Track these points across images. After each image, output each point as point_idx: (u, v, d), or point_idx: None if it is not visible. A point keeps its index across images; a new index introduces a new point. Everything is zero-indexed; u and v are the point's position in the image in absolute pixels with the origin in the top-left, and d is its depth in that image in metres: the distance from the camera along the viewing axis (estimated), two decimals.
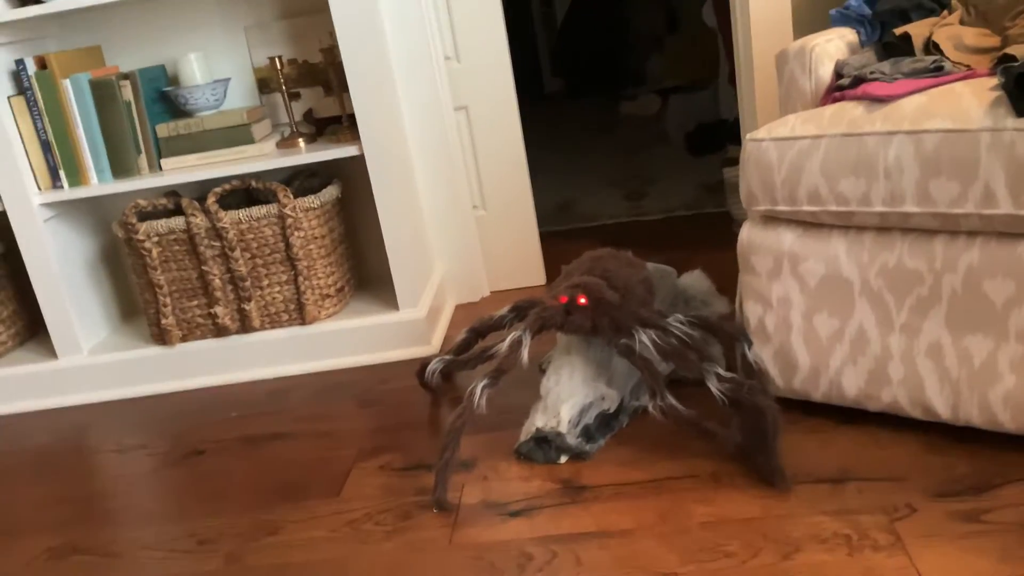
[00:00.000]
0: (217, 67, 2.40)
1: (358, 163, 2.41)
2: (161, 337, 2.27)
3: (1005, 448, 1.42)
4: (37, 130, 2.20)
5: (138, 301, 2.60)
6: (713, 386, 1.49)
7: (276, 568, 1.45)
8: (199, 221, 2.16)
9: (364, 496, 1.62)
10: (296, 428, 1.94)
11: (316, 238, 2.21)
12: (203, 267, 2.19)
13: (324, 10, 2.30)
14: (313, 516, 1.58)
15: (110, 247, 2.53)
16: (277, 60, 2.22)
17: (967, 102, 1.35)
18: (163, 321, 2.24)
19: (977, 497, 1.32)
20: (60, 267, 2.27)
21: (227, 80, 2.29)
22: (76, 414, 2.23)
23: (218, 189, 2.18)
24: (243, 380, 2.25)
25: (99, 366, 2.28)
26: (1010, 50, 1.45)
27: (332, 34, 2.29)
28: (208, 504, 1.68)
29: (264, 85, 2.40)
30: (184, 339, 2.27)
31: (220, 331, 2.25)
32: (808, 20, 2.27)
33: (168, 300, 2.23)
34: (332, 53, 2.22)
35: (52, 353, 2.34)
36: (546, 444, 1.62)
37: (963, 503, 1.32)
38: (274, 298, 2.23)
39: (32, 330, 2.51)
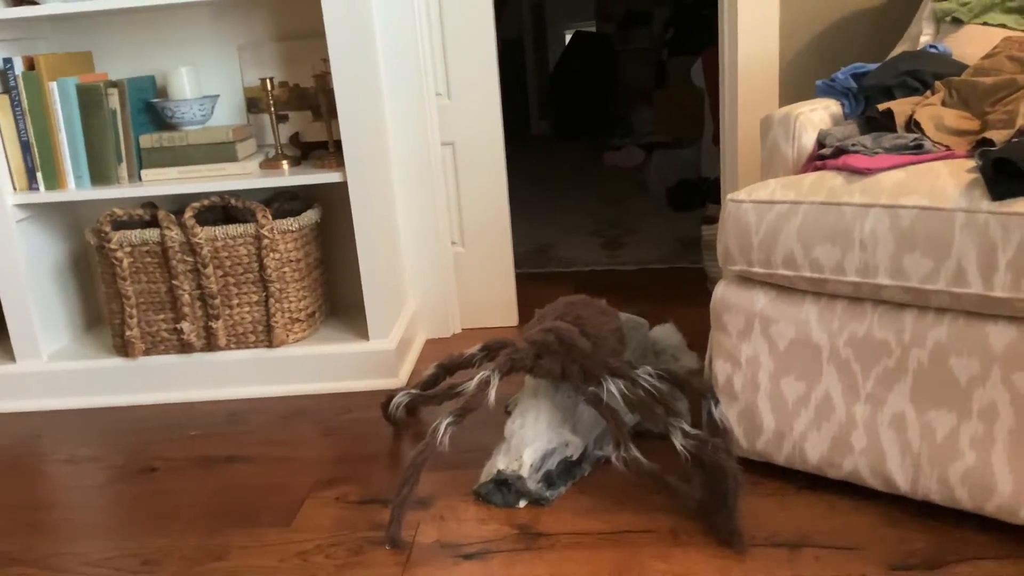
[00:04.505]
0: (207, 83, 2.40)
1: (340, 190, 2.41)
2: (124, 348, 2.23)
3: (961, 525, 1.43)
4: (18, 130, 2.18)
5: (104, 311, 2.56)
6: (677, 441, 1.49)
7: None
8: (174, 235, 2.14)
9: (316, 527, 1.59)
10: (254, 452, 1.91)
11: (291, 261, 2.20)
12: (173, 281, 2.16)
13: (319, 36, 2.31)
14: (263, 544, 1.55)
15: (81, 254, 2.49)
16: (268, 81, 2.22)
17: (944, 181, 1.38)
18: (127, 333, 2.20)
19: (931, 572, 1.33)
20: (28, 269, 2.23)
21: (216, 97, 2.29)
22: (30, 420, 2.18)
23: (196, 204, 2.16)
24: (204, 399, 2.21)
25: (58, 373, 2.23)
26: (989, 134, 1.49)
27: (326, 60, 2.30)
28: (157, 523, 1.65)
29: (253, 105, 2.40)
30: (147, 352, 2.23)
31: (185, 347, 2.21)
32: (794, 88, 2.32)
33: (135, 312, 2.20)
34: (324, 79, 2.23)
35: (10, 356, 2.29)
36: (506, 487, 1.61)
37: None
38: (243, 318, 2.20)
39: None
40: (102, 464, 1.91)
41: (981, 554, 1.36)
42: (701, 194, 3.76)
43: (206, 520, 1.64)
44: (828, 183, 1.49)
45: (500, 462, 1.62)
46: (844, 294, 1.47)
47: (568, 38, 6.27)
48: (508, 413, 1.92)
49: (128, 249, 2.17)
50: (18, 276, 2.21)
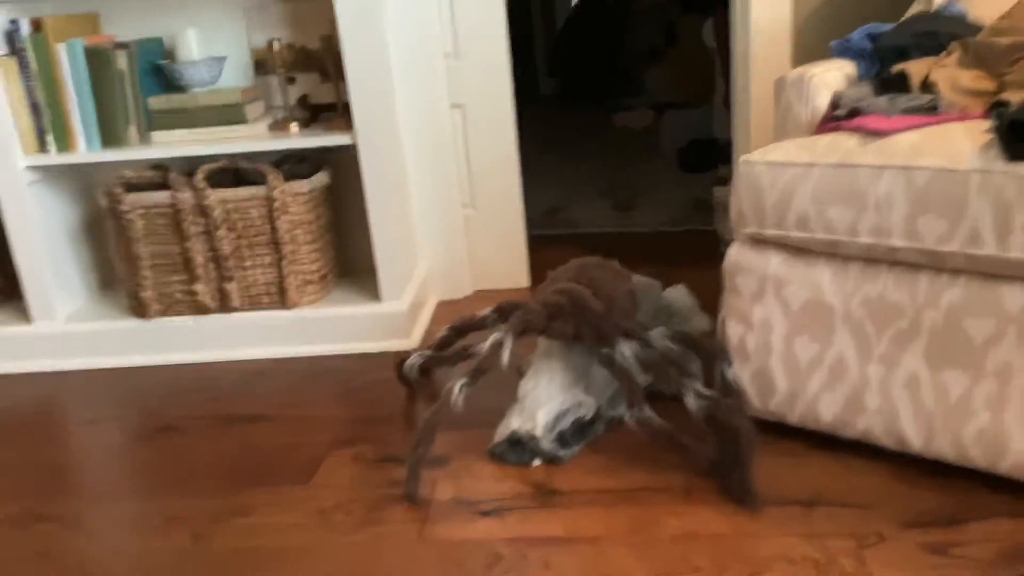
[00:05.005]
0: (214, 45, 2.39)
1: (349, 153, 2.40)
2: (139, 310, 2.25)
3: (975, 484, 1.44)
4: (27, 92, 2.18)
5: (118, 272, 2.58)
6: (691, 402, 1.50)
7: (242, 551, 1.45)
8: (185, 197, 2.14)
9: (336, 485, 1.62)
10: (270, 412, 1.93)
11: (303, 223, 2.20)
12: (186, 243, 2.17)
13: None
14: (283, 501, 1.58)
15: (93, 216, 2.50)
16: (275, 43, 2.21)
17: (960, 143, 1.38)
18: (142, 294, 2.22)
19: (945, 530, 1.35)
20: (41, 232, 2.24)
21: (223, 58, 2.28)
22: (46, 380, 2.20)
23: (207, 166, 2.16)
24: (219, 360, 2.23)
25: (73, 334, 2.25)
26: (1005, 95, 1.48)
27: (333, 21, 2.28)
28: (177, 482, 1.67)
29: (260, 67, 2.38)
30: (162, 314, 2.25)
31: (199, 308, 2.23)
32: (808, 49, 2.29)
33: (148, 273, 2.21)
34: (331, 40, 2.21)
35: (27, 318, 2.31)
36: (520, 447, 1.63)
37: (931, 535, 1.34)
38: (256, 280, 2.22)
39: (8, 293, 2.48)
40: (120, 424, 1.93)
41: (994, 512, 1.38)
42: (713, 155, 3.74)
43: (226, 478, 1.67)
44: (842, 145, 1.48)
45: (514, 422, 1.63)
46: (858, 256, 1.48)
47: None
48: (521, 374, 1.93)
49: (140, 211, 2.17)
50: (33, 238, 2.22)
